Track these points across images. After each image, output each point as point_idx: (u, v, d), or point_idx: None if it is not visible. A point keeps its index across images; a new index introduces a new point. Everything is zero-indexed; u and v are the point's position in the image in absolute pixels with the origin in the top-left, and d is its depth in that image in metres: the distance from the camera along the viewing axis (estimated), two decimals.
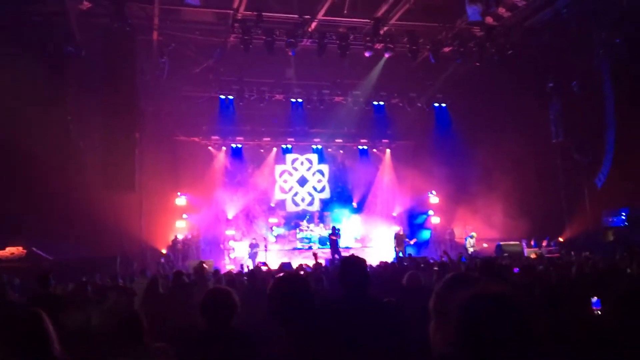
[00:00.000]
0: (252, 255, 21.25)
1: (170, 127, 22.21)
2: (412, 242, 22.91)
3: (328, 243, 21.95)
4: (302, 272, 11.23)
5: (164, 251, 20.97)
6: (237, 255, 22.44)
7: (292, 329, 2.57)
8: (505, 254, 17.64)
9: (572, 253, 15.28)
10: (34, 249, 16.15)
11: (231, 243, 22.81)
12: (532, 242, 20.04)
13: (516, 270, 9.19)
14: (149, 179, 20.14)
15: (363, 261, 3.54)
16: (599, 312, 4.36)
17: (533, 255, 16.42)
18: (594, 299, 4.41)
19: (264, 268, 14.16)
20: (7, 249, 15.95)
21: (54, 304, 6.14)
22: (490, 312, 1.80)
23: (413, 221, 25.75)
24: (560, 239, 19.84)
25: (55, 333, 3.07)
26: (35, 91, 15.64)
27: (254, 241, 22.00)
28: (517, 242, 19.87)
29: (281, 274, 3.06)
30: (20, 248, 16.00)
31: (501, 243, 19.57)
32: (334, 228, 21.44)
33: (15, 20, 15.85)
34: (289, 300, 2.66)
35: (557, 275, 7.03)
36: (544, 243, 19.74)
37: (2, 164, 15.31)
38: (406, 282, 6.15)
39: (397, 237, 21.79)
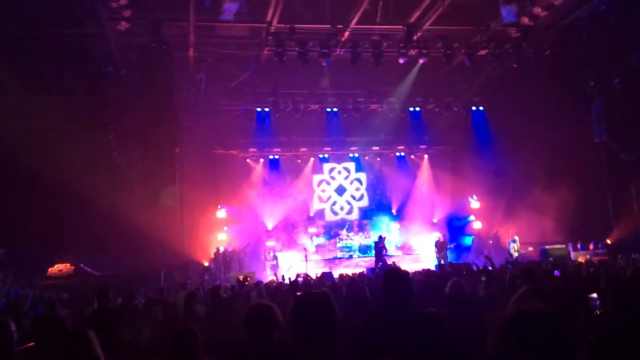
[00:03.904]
0: (273, 267, 21.29)
1: (208, 141, 22.55)
2: (451, 246, 22.60)
3: (372, 251, 21.78)
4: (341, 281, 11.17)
5: (206, 264, 21.19)
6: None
7: (315, 348, 2.57)
8: (551, 258, 17.17)
9: (620, 256, 14.79)
10: (82, 265, 16.57)
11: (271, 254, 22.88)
12: (579, 245, 19.45)
13: (557, 273, 8.91)
14: (189, 193, 20.47)
15: (406, 274, 3.50)
16: None
17: (581, 259, 15.95)
18: None
19: (299, 280, 14.07)
20: (56, 266, 16.40)
21: (110, 321, 6.24)
22: (532, 331, 1.74)
23: (454, 227, 25.36)
24: (608, 241, 19.22)
25: (110, 348, 3.13)
26: (76, 110, 16.09)
27: (272, 253, 22.11)
28: (563, 246, 19.25)
29: (302, 293, 3.04)
30: (68, 265, 16.44)
31: (546, 247, 19.03)
32: (380, 237, 21.26)
33: (57, 43, 16.36)
34: (312, 320, 2.65)
35: (608, 281, 6.80)
36: (591, 246, 19.14)
37: (47, 184, 15.75)
38: (449, 291, 6.03)
39: (438, 244, 21.54)
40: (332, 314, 2.77)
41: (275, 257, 21.83)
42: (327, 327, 2.72)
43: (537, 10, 16.63)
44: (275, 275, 19.84)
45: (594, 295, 4.67)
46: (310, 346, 2.63)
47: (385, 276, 3.56)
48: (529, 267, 6.30)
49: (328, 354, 2.61)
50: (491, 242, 23.15)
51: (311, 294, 2.94)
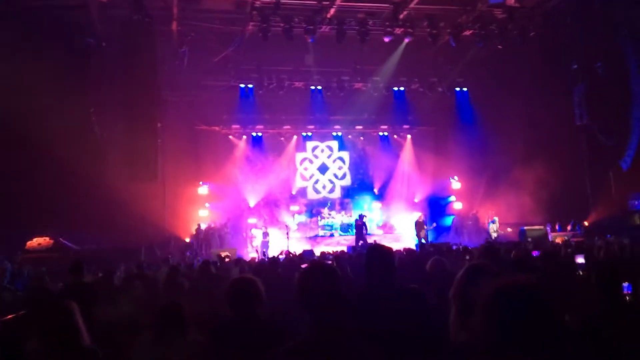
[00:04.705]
0: (264, 244, 21.28)
1: (191, 117, 22.34)
2: (432, 227, 22.81)
3: (353, 230, 21.90)
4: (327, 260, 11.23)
5: (187, 240, 21.15)
6: (259, 244, 22.51)
7: (320, 318, 2.55)
8: (529, 239, 17.44)
9: (596, 237, 15.05)
10: (61, 239, 16.42)
11: (253, 231, 22.89)
12: (557, 227, 19.76)
13: (535, 253, 9.04)
14: (171, 169, 20.33)
15: (390, 251, 3.51)
16: (630, 297, 4.26)
17: (558, 240, 16.21)
18: (625, 283, 4.30)
19: (281, 257, 14.10)
20: (35, 239, 16.23)
21: (87, 293, 6.20)
22: (518, 304, 1.76)
23: (435, 207, 25.57)
24: (585, 223, 19.54)
25: (87, 322, 3.12)
26: (57, 83, 15.79)
27: (264, 230, 22.12)
28: (541, 227, 19.59)
29: (310, 264, 3.01)
30: (47, 238, 16.27)
31: (525, 228, 19.33)
32: (360, 215, 21.37)
33: (38, 14, 15.99)
34: (320, 290, 2.62)
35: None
36: (569, 227, 19.46)
37: (27, 157, 15.51)
38: (430, 268, 6.09)
39: (417, 224, 21.71)
40: (339, 288, 2.73)
41: (266, 234, 21.76)
42: (336, 301, 2.68)
43: None
44: (257, 251, 19.93)
45: (581, 258, 4.71)
46: (318, 319, 2.58)
47: (369, 252, 3.57)
48: (493, 247, 6.42)
49: (338, 325, 2.58)
50: (470, 222, 23.42)
51: (320, 266, 2.89)
